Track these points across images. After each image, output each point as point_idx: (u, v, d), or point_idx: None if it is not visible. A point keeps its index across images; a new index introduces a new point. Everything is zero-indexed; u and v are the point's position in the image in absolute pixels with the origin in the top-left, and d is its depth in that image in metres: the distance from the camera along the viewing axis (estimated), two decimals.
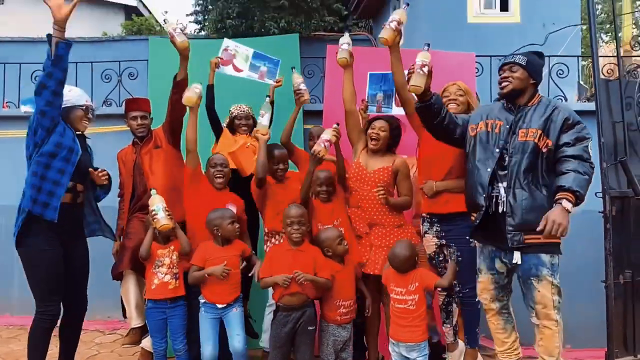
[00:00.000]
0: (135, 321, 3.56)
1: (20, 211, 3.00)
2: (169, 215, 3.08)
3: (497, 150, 2.69)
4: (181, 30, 3.35)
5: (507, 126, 2.70)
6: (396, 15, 3.04)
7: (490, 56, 5.07)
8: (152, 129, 3.71)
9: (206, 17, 9.96)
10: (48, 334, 3.06)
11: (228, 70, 4.15)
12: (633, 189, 3.65)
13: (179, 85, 3.44)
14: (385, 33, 3.02)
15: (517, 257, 2.62)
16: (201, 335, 3.21)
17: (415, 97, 2.74)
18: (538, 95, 2.76)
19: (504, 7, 7.82)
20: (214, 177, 3.41)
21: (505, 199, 2.65)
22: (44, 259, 2.98)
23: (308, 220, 3.15)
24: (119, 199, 3.77)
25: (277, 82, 3.94)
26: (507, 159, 2.67)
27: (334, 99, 4.02)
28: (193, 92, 3.30)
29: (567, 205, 2.42)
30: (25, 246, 3.00)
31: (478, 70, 4.84)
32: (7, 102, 5.52)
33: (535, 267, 2.60)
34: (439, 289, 3.21)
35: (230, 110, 3.96)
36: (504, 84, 2.71)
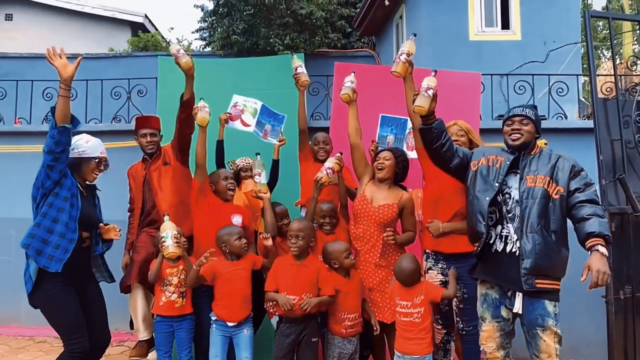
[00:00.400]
0: (142, 334, 3.61)
1: (31, 267, 2.98)
2: (177, 243, 3.14)
3: (497, 184, 2.78)
4: (184, 51, 3.47)
5: (508, 162, 2.80)
6: (405, 48, 3.16)
7: (492, 74, 5.17)
8: (161, 145, 3.81)
9: (212, 34, 10.11)
10: None
11: (237, 125, 4.26)
12: (632, 206, 3.72)
13: (186, 105, 3.55)
14: (397, 67, 3.15)
15: (518, 306, 2.69)
16: (210, 351, 3.27)
17: (419, 119, 2.83)
18: (537, 145, 2.88)
19: (505, 25, 7.93)
20: (227, 190, 3.52)
21: (515, 239, 2.71)
22: (61, 299, 2.98)
23: (310, 236, 3.20)
24: (129, 213, 3.88)
25: (280, 142, 4.09)
26: (509, 200, 2.76)
27: (341, 116, 4.10)
28: (205, 112, 3.44)
29: (603, 250, 2.49)
30: (38, 294, 2.99)
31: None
32: (19, 118, 5.65)
33: (542, 318, 2.66)
34: (439, 325, 3.28)
35: (235, 162, 4.08)
36: (516, 136, 2.79)
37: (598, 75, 4.86)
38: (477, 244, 2.84)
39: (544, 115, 5.07)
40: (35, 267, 2.97)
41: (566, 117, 5.10)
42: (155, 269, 3.27)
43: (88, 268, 3.22)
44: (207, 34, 10.50)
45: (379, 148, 3.94)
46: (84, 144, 3.16)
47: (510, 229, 2.74)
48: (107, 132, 4.97)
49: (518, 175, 2.77)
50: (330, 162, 3.38)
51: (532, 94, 5.04)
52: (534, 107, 2.89)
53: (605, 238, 2.52)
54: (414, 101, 2.76)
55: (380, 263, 3.31)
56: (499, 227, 2.78)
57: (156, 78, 5.00)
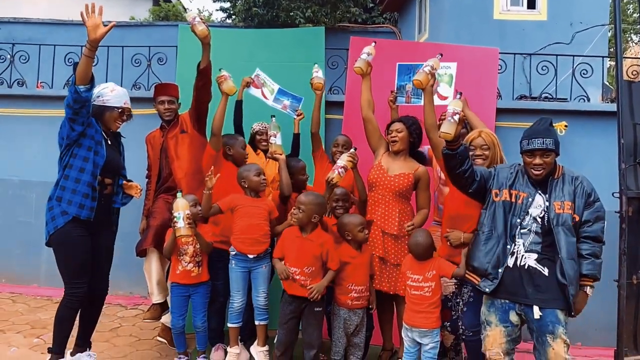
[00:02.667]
0: (156, 297, 3.69)
1: (60, 212, 3.09)
2: (189, 224, 3.12)
3: (518, 220, 2.78)
4: (200, 19, 3.42)
5: (530, 199, 2.78)
6: (431, 62, 3.20)
7: (515, 53, 5.08)
8: (179, 113, 3.84)
9: (233, 5, 10.04)
10: (74, 314, 3.20)
11: (257, 93, 4.26)
12: None
13: (203, 73, 3.56)
14: (419, 76, 3.16)
15: (537, 312, 2.69)
16: (231, 287, 3.38)
17: (444, 142, 2.80)
18: (559, 166, 2.85)
19: (531, 4, 7.74)
20: (243, 159, 3.61)
21: (522, 253, 2.74)
22: (76, 246, 3.11)
23: (312, 211, 3.13)
24: (146, 180, 3.94)
25: (298, 116, 4.07)
26: (526, 217, 2.76)
27: (357, 91, 4.08)
28: (232, 82, 3.49)
29: (589, 291, 2.73)
30: (57, 236, 3.12)
31: (501, 67, 4.86)
32: (41, 83, 5.72)
33: (553, 325, 2.65)
34: (447, 331, 3.25)
35: (252, 127, 4.09)
36: (539, 171, 2.77)
37: (625, 58, 4.76)
38: (478, 279, 2.84)
39: (565, 98, 4.99)
40: (60, 210, 3.08)
41: (589, 100, 5.00)
42: (169, 244, 3.33)
43: (108, 214, 3.30)
44: (228, 5, 10.44)
45: (398, 99, 3.96)
46: (108, 93, 3.22)
47: (520, 244, 2.76)
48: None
49: (541, 197, 2.77)
50: (343, 161, 3.31)
51: (555, 74, 4.94)
52: (551, 125, 2.82)
53: (596, 280, 2.73)
54: (439, 127, 2.74)
55: (397, 233, 3.35)
56: (513, 244, 2.78)
57: (176, 47, 5.01)
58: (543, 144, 2.72)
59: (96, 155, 3.13)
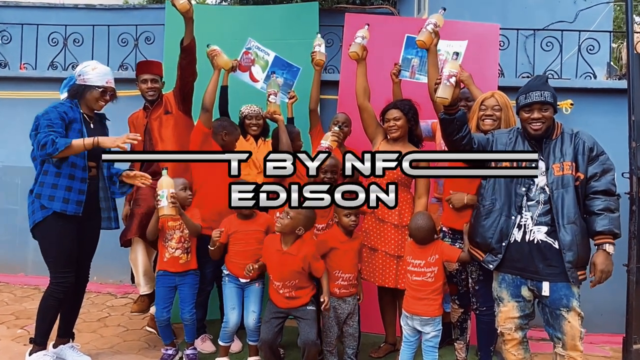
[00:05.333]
0: (143, 288, 3.57)
1: (38, 206, 2.94)
2: (172, 203, 2.92)
3: (523, 189, 2.60)
4: None
5: (532, 166, 2.61)
6: (433, 19, 3.02)
7: (518, 29, 4.88)
8: (163, 93, 3.64)
9: None
10: (60, 304, 3.07)
11: (244, 77, 4.04)
12: None
13: (187, 50, 3.36)
14: (422, 36, 3.01)
15: (546, 289, 2.55)
16: (225, 303, 3.21)
17: (442, 107, 2.63)
18: (558, 124, 2.67)
19: None
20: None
21: (531, 227, 2.57)
22: (59, 236, 2.97)
23: (300, 221, 2.91)
24: (130, 164, 3.73)
25: (290, 99, 3.84)
26: (532, 187, 2.59)
27: (351, 69, 3.89)
28: (226, 56, 3.33)
29: (610, 249, 2.49)
30: (39, 230, 2.99)
31: (504, 43, 4.66)
32: (24, 64, 5.51)
33: (567, 298, 2.52)
34: (456, 305, 3.15)
35: (240, 110, 3.88)
36: (538, 125, 2.59)
37: (636, 32, 4.55)
38: (483, 255, 2.71)
39: (569, 79, 4.79)
40: (39, 205, 2.93)
41: (595, 77, 4.80)
42: (152, 225, 3.15)
43: (94, 201, 3.10)
44: None
45: (402, 72, 3.77)
46: (89, 71, 3.02)
47: (528, 217, 2.59)
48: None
49: (543, 163, 2.60)
50: (327, 140, 3.14)
51: (561, 51, 4.74)
52: (547, 81, 2.67)
53: (616, 236, 2.50)
54: (435, 90, 2.54)
55: (397, 222, 3.19)
56: (518, 216, 2.60)
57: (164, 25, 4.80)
58: (541, 96, 2.56)
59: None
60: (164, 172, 3.00)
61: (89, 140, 2.86)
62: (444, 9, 3.07)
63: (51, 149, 2.79)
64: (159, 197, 2.92)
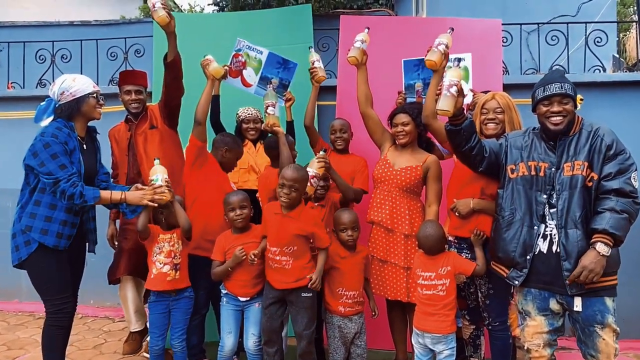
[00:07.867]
0: (134, 325, 3.44)
1: (23, 242, 2.73)
2: (167, 187, 2.82)
3: (545, 196, 2.40)
4: (162, 4, 2.94)
5: (554, 168, 2.41)
6: (444, 39, 2.81)
7: (521, 24, 4.69)
8: (147, 104, 3.47)
9: None
10: (66, 332, 2.87)
11: (235, 83, 3.86)
12: None
13: (171, 67, 3.17)
14: (434, 56, 2.79)
15: (578, 303, 2.33)
16: (222, 327, 3.04)
17: (446, 118, 2.45)
18: (578, 119, 2.45)
19: None
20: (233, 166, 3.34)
21: (557, 239, 2.36)
22: (50, 266, 2.75)
23: (305, 188, 2.82)
24: (112, 180, 3.54)
25: (287, 101, 3.62)
26: (554, 196, 2.39)
27: (349, 73, 3.70)
28: (217, 64, 3.18)
29: (601, 249, 2.25)
30: (25, 265, 2.78)
31: (507, 39, 4.48)
32: (12, 83, 5.37)
33: (601, 314, 2.32)
34: (467, 321, 2.97)
35: (237, 114, 3.70)
36: (559, 119, 2.38)
37: None
38: (507, 271, 2.51)
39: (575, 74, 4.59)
40: (24, 240, 2.71)
41: (604, 70, 4.59)
42: (142, 220, 2.89)
43: (81, 224, 2.89)
44: None
45: (408, 99, 3.55)
46: (72, 84, 2.80)
47: (553, 225, 2.38)
48: (104, 95, 4.64)
49: (556, 160, 2.41)
50: (313, 168, 2.94)
51: (567, 44, 4.54)
52: (564, 73, 2.51)
53: (613, 236, 2.25)
54: (436, 101, 2.38)
55: (408, 232, 3.01)
56: (542, 226, 2.40)
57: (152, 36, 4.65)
58: (562, 88, 2.36)
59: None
60: (157, 161, 2.86)
61: (116, 196, 2.77)
62: (452, 29, 2.88)
63: (79, 201, 2.67)
64: (152, 182, 2.81)
